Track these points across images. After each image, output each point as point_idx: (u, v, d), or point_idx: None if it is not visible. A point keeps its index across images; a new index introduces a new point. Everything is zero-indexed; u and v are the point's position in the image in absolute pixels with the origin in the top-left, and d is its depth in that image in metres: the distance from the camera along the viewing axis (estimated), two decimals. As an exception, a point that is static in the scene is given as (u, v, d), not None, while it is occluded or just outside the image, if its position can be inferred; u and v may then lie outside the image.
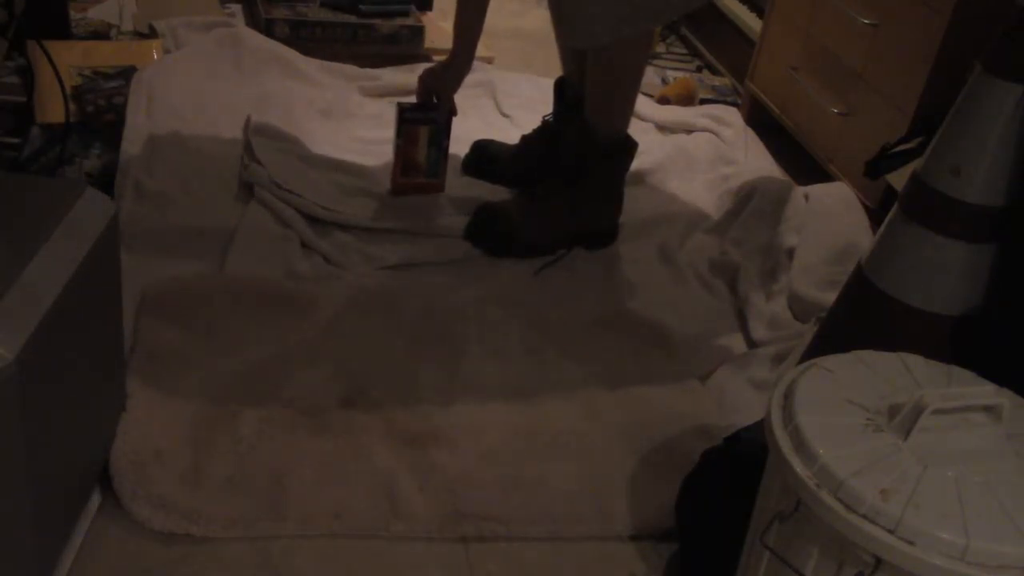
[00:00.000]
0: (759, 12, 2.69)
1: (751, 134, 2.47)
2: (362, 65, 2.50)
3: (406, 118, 1.95)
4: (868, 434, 0.94)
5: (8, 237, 1.03)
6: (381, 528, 1.27)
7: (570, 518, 1.32)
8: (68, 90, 1.98)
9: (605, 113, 1.83)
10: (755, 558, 1.02)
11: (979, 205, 1.18)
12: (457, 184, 2.06)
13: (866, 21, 2.02)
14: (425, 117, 1.95)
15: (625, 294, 1.81)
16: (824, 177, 2.15)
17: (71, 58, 2.20)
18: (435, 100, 1.96)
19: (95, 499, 1.23)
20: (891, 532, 0.86)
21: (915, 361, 1.05)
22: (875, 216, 1.95)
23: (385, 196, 1.97)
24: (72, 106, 2.01)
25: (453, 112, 1.98)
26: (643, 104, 2.45)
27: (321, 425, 1.40)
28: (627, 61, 1.79)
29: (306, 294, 1.65)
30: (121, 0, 2.59)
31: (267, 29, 2.50)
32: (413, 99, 1.99)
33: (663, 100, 2.62)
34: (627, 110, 1.87)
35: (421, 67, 2.44)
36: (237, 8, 2.74)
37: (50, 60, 1.72)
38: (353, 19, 2.58)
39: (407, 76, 2.43)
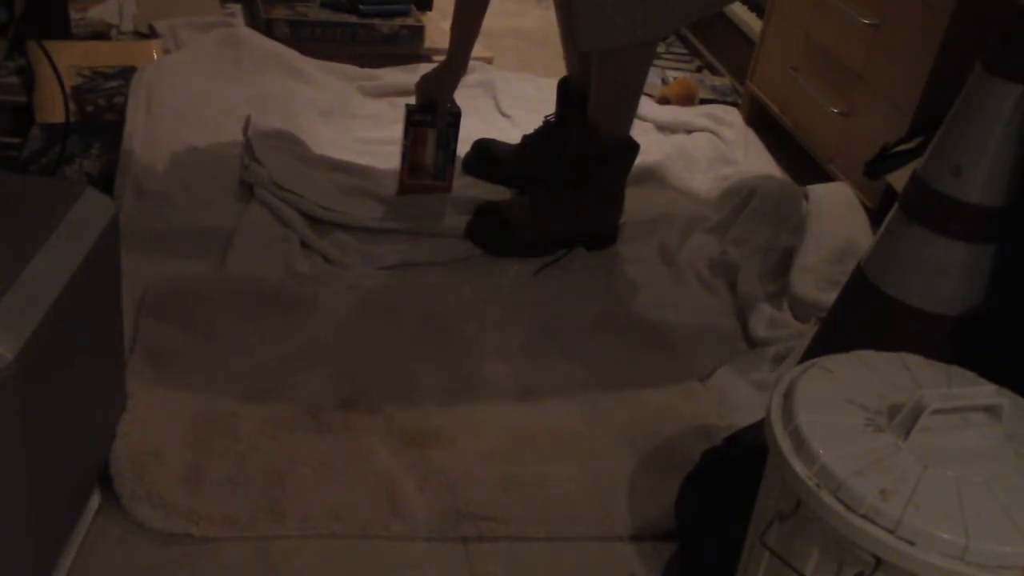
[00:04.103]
0: (759, 12, 2.69)
1: (751, 134, 2.48)
2: (362, 65, 2.50)
3: (414, 120, 1.95)
4: (868, 434, 0.94)
5: (8, 237, 1.03)
6: (381, 528, 1.27)
7: (570, 518, 1.32)
8: (68, 90, 1.98)
9: (609, 115, 1.83)
10: (755, 558, 1.02)
11: (979, 205, 1.17)
12: (458, 184, 2.06)
13: (866, 21, 2.02)
14: (433, 120, 1.95)
15: (625, 294, 1.81)
16: (824, 177, 2.15)
17: (71, 58, 2.21)
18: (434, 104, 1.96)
19: (95, 499, 1.23)
20: (891, 532, 0.86)
21: (915, 361, 1.05)
22: (875, 216, 1.95)
23: (385, 196, 1.97)
24: (72, 106, 2.01)
25: (457, 113, 1.97)
26: (643, 104, 2.45)
27: (321, 425, 1.40)
28: (634, 64, 1.79)
29: (306, 294, 1.65)
30: (121, 0, 2.59)
31: (267, 29, 2.50)
32: None
33: (663, 100, 2.62)
34: (630, 113, 1.87)
35: (421, 67, 2.45)
36: (237, 8, 2.74)
37: (50, 60, 1.72)
38: (353, 19, 2.58)
39: (407, 76, 2.43)
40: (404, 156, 1.98)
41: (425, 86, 1.97)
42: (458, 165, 2.09)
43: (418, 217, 1.91)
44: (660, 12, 1.70)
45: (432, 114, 1.95)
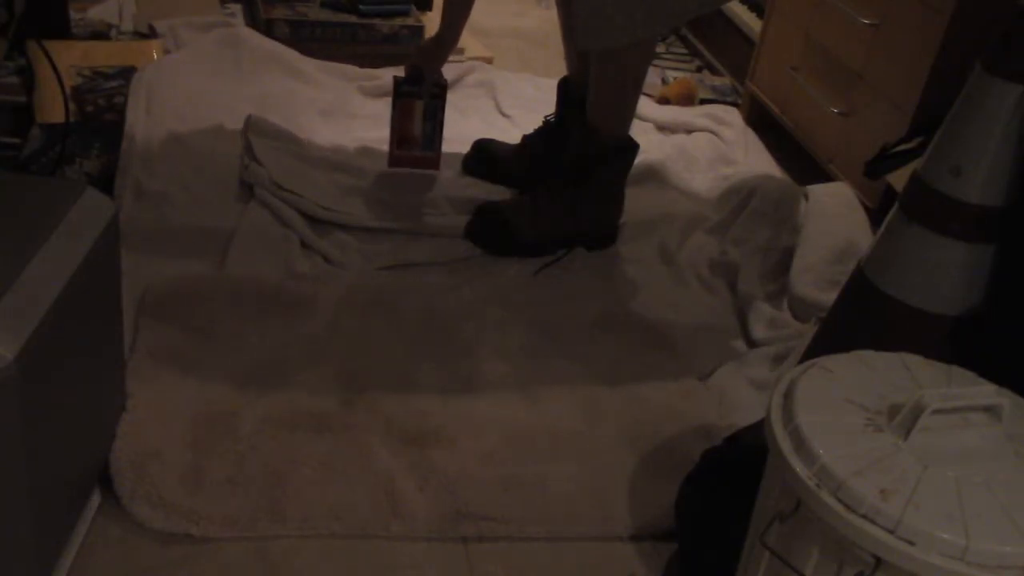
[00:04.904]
0: (759, 12, 2.69)
1: (751, 134, 2.48)
2: (362, 65, 2.51)
3: (401, 91, 1.99)
4: (868, 434, 0.94)
5: (8, 237, 1.03)
6: (381, 528, 1.27)
7: (570, 518, 1.32)
8: (68, 90, 1.98)
9: (609, 115, 1.83)
10: (755, 558, 1.02)
11: (979, 205, 1.18)
12: (457, 184, 2.06)
13: (866, 21, 2.02)
14: (420, 91, 1.98)
15: (625, 294, 1.81)
16: (824, 177, 2.15)
17: (71, 58, 2.21)
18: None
19: (95, 499, 1.23)
20: (891, 532, 0.86)
21: (915, 361, 1.05)
22: (875, 216, 1.95)
23: (385, 196, 1.97)
24: (72, 106, 2.01)
25: (444, 85, 2.01)
26: (643, 104, 2.45)
27: (321, 425, 1.40)
28: (633, 64, 1.79)
29: (306, 294, 1.65)
30: (121, 0, 2.59)
31: (267, 29, 2.50)
32: None
33: (663, 100, 2.62)
34: (629, 112, 1.88)
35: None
36: (237, 8, 2.74)
37: (50, 60, 1.72)
38: (353, 19, 2.58)
39: (407, 76, 2.44)
40: (393, 128, 2.02)
41: (414, 56, 2.00)
42: (458, 164, 2.10)
43: (418, 217, 1.91)
44: (659, 11, 1.70)
45: (419, 85, 1.97)
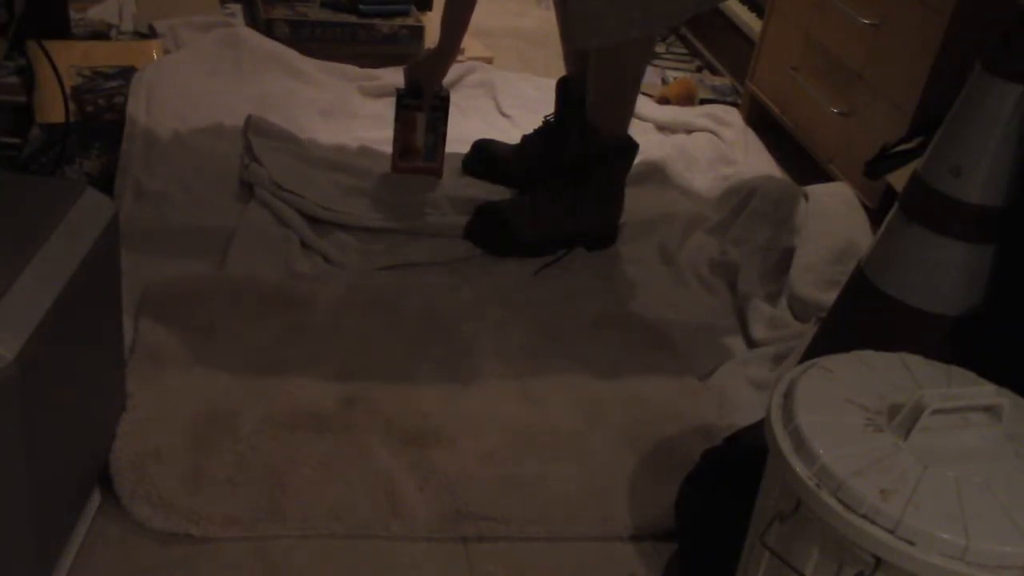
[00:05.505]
0: (759, 12, 2.69)
1: (751, 134, 2.48)
2: (362, 65, 2.51)
3: (404, 104, 2.00)
4: (868, 434, 0.94)
5: (8, 237, 1.03)
6: (381, 528, 1.27)
7: (570, 518, 1.32)
8: (68, 90, 1.98)
9: (608, 114, 1.83)
10: (755, 558, 1.02)
11: (979, 205, 1.18)
12: (457, 184, 2.06)
13: (866, 21, 2.02)
14: (422, 103, 1.99)
15: (625, 294, 1.81)
16: (824, 177, 2.15)
17: (71, 58, 2.21)
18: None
19: (95, 499, 1.23)
20: (891, 532, 0.86)
21: (915, 361, 1.05)
22: (875, 216, 1.95)
23: (385, 196, 1.97)
24: (72, 106, 2.01)
25: (446, 97, 2.01)
26: (643, 104, 2.46)
27: (321, 425, 1.40)
28: (631, 62, 1.79)
29: (306, 294, 1.65)
30: (121, 0, 2.59)
31: (267, 29, 2.50)
32: None
33: (663, 100, 2.62)
34: (629, 112, 1.88)
35: (421, 67, 2.45)
36: (237, 8, 2.74)
37: (50, 60, 1.72)
38: (353, 19, 2.58)
39: (407, 76, 2.44)
40: (395, 140, 2.03)
41: (412, 71, 2.00)
42: (458, 164, 2.10)
43: (418, 217, 1.91)
44: (657, 10, 1.70)
45: (420, 98, 1.98)
